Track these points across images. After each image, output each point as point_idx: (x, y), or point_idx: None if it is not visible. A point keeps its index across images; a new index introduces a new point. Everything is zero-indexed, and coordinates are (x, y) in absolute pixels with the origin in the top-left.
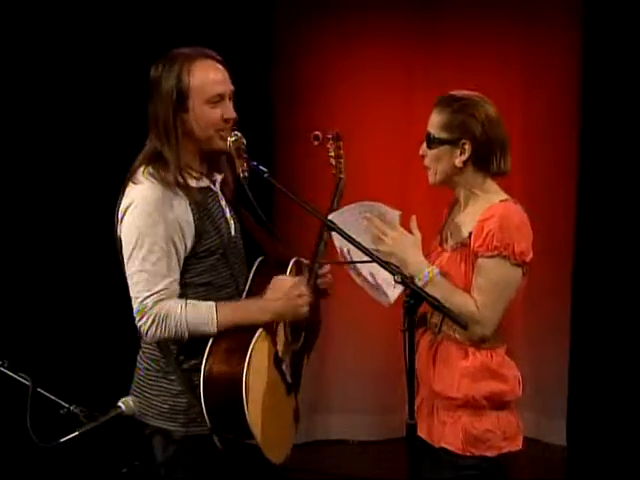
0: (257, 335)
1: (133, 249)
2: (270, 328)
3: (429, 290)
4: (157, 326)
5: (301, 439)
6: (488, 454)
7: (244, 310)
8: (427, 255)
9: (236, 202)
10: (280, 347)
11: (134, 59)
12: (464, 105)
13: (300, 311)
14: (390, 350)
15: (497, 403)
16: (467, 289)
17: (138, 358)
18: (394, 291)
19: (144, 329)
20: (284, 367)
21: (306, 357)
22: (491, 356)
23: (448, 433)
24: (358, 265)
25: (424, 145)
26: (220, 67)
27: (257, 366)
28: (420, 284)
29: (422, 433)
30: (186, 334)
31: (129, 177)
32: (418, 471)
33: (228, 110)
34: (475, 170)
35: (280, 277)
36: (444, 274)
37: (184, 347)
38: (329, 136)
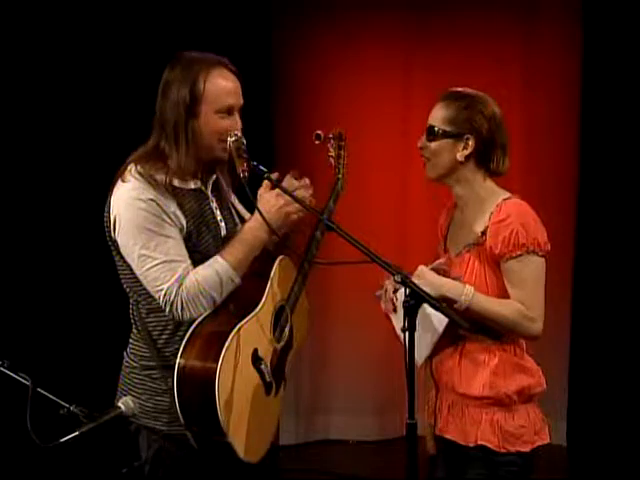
0: (233, 333)
1: (141, 247)
2: (250, 324)
3: (475, 307)
4: (189, 308)
5: (301, 439)
6: (523, 450)
7: (242, 241)
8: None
9: (229, 203)
10: (260, 345)
11: (134, 58)
12: (472, 101)
13: (291, 218)
14: (390, 350)
15: (526, 397)
16: (485, 288)
17: (124, 355)
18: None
19: (179, 316)
20: (263, 366)
21: (291, 355)
22: (514, 351)
23: (484, 431)
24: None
25: (423, 137)
26: (235, 79)
27: (232, 365)
28: (466, 304)
29: (451, 434)
30: (216, 296)
31: (119, 175)
32: (417, 471)
33: (235, 124)
34: (475, 167)
35: (261, 193)
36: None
37: (170, 343)
38: (330, 135)
